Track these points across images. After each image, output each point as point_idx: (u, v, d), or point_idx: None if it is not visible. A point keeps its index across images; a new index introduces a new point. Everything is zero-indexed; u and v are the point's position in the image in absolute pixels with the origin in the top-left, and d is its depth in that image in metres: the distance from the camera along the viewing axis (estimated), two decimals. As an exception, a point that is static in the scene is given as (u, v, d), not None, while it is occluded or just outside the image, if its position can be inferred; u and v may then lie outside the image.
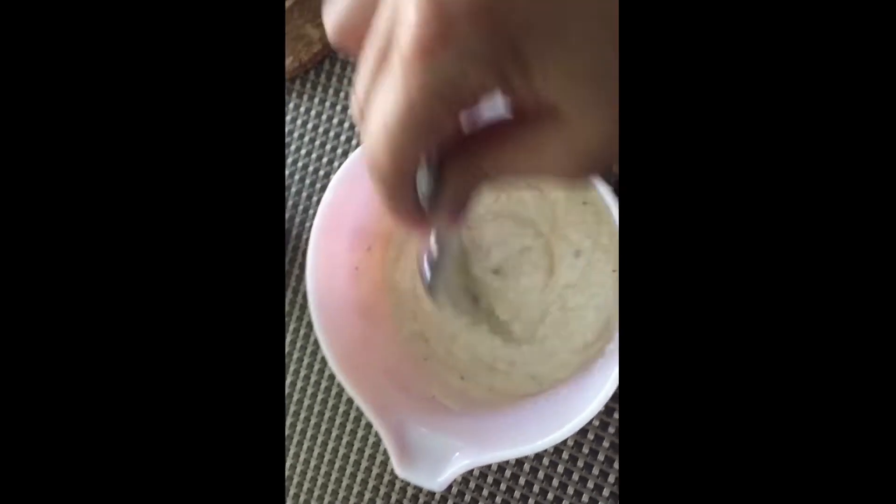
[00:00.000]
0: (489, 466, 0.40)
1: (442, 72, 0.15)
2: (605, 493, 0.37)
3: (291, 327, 0.45)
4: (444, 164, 0.19)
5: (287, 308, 0.46)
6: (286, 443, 0.45)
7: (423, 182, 0.19)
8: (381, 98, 0.16)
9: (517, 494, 0.40)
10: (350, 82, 0.44)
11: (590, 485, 0.38)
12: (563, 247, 0.35)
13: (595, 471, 0.38)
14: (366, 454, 0.43)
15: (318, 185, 0.45)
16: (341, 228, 0.35)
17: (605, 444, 0.37)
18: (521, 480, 0.40)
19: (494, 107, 0.18)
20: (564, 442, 0.38)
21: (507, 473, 0.40)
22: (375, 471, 0.43)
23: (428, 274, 0.25)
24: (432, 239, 0.23)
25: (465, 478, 0.41)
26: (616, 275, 0.34)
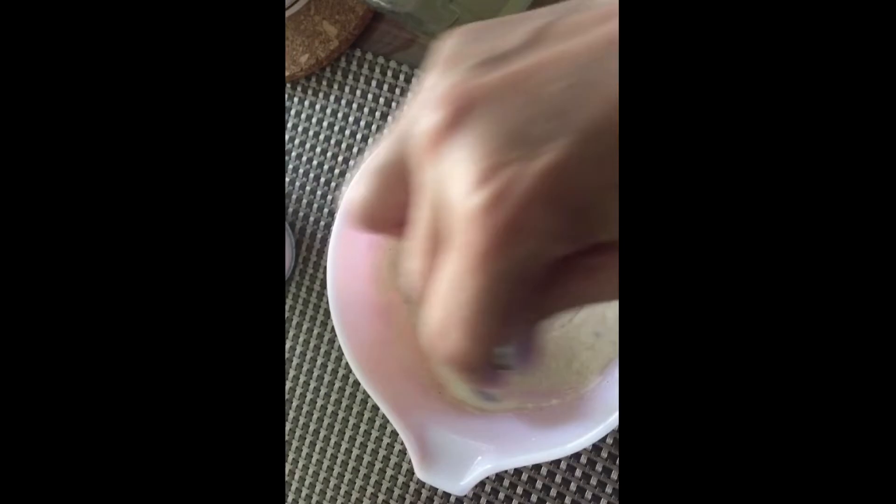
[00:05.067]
0: (506, 470, 0.40)
1: (516, 260, 0.15)
2: (625, 497, 0.37)
3: (305, 327, 0.45)
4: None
5: (300, 307, 0.45)
6: (299, 443, 0.45)
7: None
8: (446, 286, 0.15)
9: (534, 498, 0.39)
10: (367, 80, 0.44)
11: (608, 489, 0.38)
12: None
13: (614, 475, 0.37)
14: (380, 455, 0.43)
15: (332, 184, 0.45)
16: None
17: (625, 448, 0.37)
18: (539, 484, 0.39)
19: None
20: (583, 445, 0.37)
21: (524, 477, 0.40)
22: (389, 472, 0.42)
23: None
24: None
25: (481, 481, 0.40)
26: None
